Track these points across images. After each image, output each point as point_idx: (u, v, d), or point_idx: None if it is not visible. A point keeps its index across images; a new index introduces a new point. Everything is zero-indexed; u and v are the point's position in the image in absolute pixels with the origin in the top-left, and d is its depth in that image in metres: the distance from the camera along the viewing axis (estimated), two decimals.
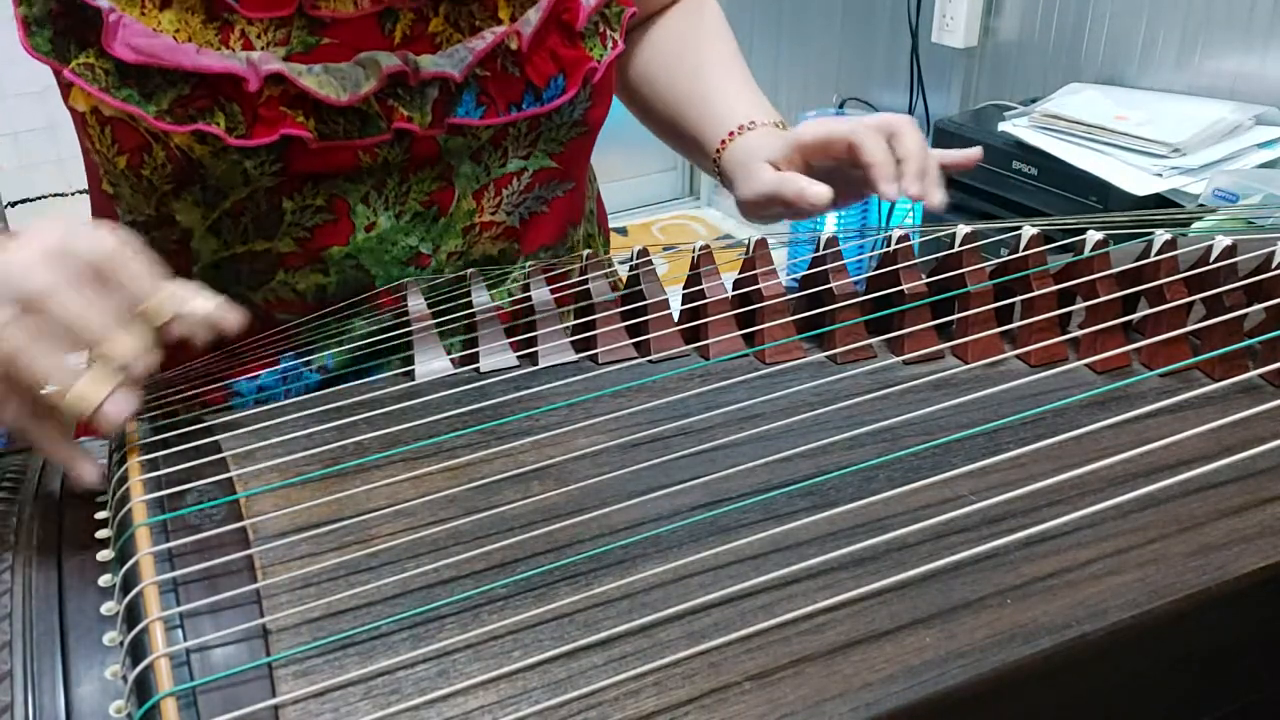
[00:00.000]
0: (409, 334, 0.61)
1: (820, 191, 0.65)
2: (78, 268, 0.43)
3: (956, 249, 0.60)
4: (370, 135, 0.60)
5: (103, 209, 0.67)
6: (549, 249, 0.71)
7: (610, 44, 0.67)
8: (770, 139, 0.72)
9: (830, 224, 2.17)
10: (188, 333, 0.47)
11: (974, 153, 0.68)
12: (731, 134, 0.75)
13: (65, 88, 0.60)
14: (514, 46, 0.63)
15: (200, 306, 0.47)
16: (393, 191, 0.63)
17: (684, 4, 0.85)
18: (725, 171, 0.75)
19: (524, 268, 0.69)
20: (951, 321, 0.59)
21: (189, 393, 0.66)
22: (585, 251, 0.71)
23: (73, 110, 0.60)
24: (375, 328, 0.65)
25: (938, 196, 0.64)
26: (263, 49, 0.58)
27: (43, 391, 0.43)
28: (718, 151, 0.76)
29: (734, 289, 0.62)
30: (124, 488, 0.47)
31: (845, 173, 0.67)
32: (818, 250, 0.62)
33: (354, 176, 0.62)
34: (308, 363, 0.66)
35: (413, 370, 0.58)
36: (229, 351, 0.62)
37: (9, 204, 2.09)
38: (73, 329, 0.43)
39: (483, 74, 0.62)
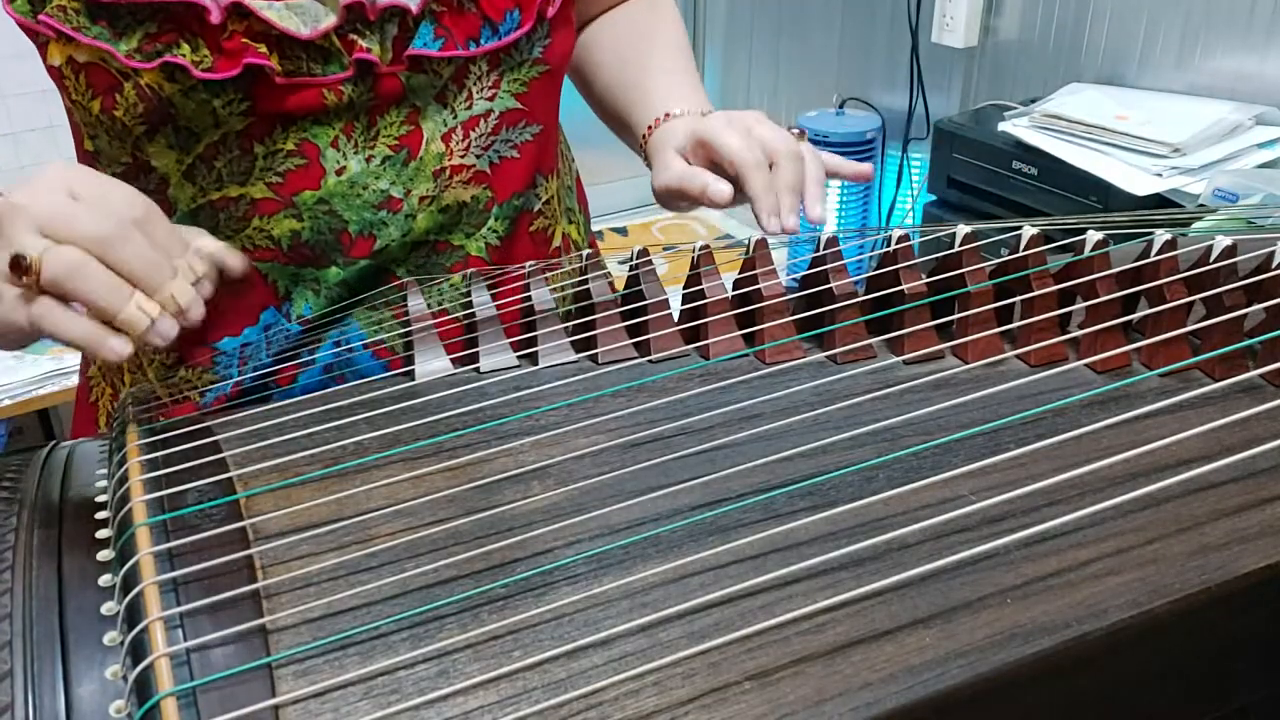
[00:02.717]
0: (382, 282, 0.64)
1: (722, 190, 0.68)
2: (118, 218, 0.50)
3: (956, 249, 0.60)
4: (333, 73, 0.62)
5: None
6: (520, 195, 0.72)
7: None
8: (684, 127, 0.74)
9: (830, 224, 2.17)
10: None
11: (865, 169, 0.73)
12: (658, 120, 0.77)
13: (42, 46, 0.62)
14: None
15: (210, 247, 0.55)
16: (361, 134, 0.65)
17: None
18: (649, 158, 0.77)
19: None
20: (951, 321, 0.59)
21: (172, 353, 0.67)
22: (585, 251, 0.71)
23: (51, 69, 0.62)
24: (349, 274, 0.67)
25: (816, 211, 0.68)
26: None
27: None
28: (644, 138, 0.78)
29: (734, 289, 0.62)
30: (124, 488, 0.47)
31: None
32: (818, 250, 0.62)
33: (321, 118, 0.63)
34: (286, 314, 0.67)
35: (413, 370, 0.58)
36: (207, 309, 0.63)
37: None
38: (137, 277, 0.50)
39: (439, 9, 0.64)
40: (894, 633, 0.41)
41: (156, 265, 0.51)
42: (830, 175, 0.72)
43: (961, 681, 0.39)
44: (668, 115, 0.76)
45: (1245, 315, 0.57)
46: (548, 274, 0.64)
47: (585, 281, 0.62)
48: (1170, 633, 0.44)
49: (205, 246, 0.55)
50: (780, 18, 2.58)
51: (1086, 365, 0.57)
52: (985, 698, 0.40)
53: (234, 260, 0.57)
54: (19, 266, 0.48)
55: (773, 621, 0.40)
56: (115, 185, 0.52)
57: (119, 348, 0.50)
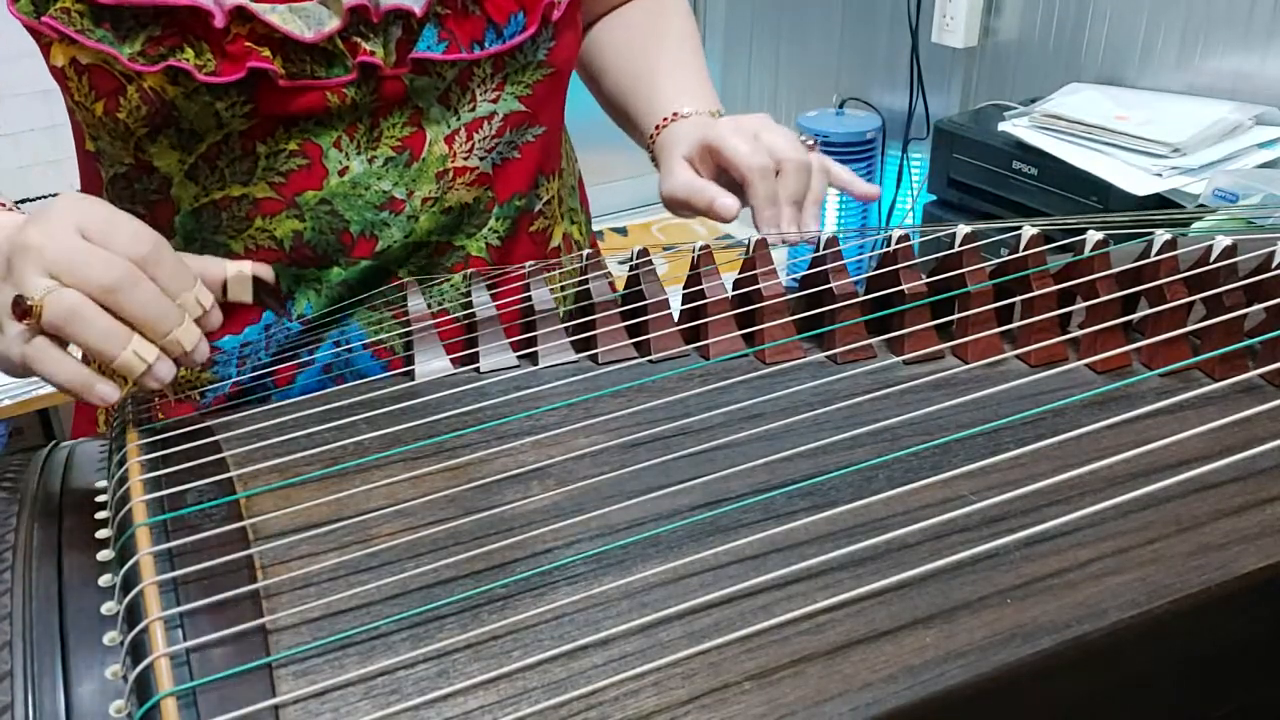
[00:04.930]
0: (384, 283, 0.65)
1: (728, 205, 0.69)
2: (127, 264, 0.50)
3: (956, 249, 0.60)
4: (336, 76, 0.62)
5: (88, 173, 0.70)
6: (522, 196, 0.72)
7: None
8: (691, 131, 0.73)
9: (830, 224, 2.17)
10: (235, 297, 0.57)
11: (873, 190, 0.73)
12: (666, 120, 0.76)
13: (45, 47, 0.62)
14: None
15: (235, 266, 0.57)
16: (364, 135, 0.65)
17: None
18: (656, 158, 0.77)
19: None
20: (951, 321, 0.59)
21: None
22: (585, 251, 0.71)
23: (54, 70, 0.62)
24: (350, 274, 0.67)
25: (810, 228, 0.69)
26: None
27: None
28: (651, 137, 0.77)
29: (734, 289, 0.62)
30: (124, 488, 0.47)
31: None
32: (818, 250, 0.62)
33: (324, 120, 0.63)
34: (288, 313, 0.67)
35: (413, 370, 0.58)
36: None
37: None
38: (144, 324, 0.50)
39: (443, 11, 0.64)
40: (894, 633, 0.41)
41: (162, 312, 0.51)
42: (840, 188, 0.72)
43: (961, 681, 0.39)
44: (675, 115, 0.76)
45: (1245, 315, 0.57)
46: (548, 274, 0.64)
47: (585, 281, 0.62)
48: (1170, 633, 0.44)
49: (233, 269, 0.57)
50: (780, 18, 2.58)
51: (1086, 365, 0.57)
52: (985, 698, 0.40)
53: (263, 271, 0.59)
54: (20, 306, 0.49)
55: (772, 621, 0.40)
56: (123, 221, 0.52)
57: (107, 394, 0.50)
